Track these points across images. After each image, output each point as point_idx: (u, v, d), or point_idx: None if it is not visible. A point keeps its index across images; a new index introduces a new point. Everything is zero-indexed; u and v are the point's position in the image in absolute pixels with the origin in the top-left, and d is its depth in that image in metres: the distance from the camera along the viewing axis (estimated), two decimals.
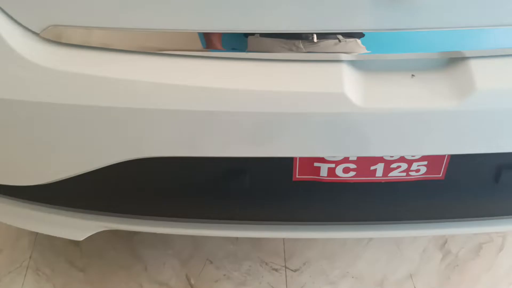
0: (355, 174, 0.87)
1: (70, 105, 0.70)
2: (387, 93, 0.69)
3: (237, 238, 1.39)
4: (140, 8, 0.69)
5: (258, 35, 0.70)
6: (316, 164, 0.86)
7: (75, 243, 1.37)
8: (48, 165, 0.83)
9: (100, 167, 0.81)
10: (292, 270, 1.32)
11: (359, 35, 0.69)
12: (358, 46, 0.69)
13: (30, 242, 1.38)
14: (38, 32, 0.70)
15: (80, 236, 1.03)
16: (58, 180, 0.87)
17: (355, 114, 0.69)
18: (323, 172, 0.87)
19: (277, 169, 0.87)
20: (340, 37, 0.69)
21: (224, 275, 1.31)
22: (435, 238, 1.37)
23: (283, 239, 1.38)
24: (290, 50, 0.70)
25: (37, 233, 1.39)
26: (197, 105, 0.72)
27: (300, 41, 0.70)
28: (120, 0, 0.68)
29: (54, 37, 0.70)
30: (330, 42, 0.69)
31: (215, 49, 0.71)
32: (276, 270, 1.32)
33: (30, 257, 1.35)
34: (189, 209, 0.96)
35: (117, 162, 0.80)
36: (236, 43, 0.71)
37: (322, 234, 1.04)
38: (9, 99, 0.71)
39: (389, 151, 0.77)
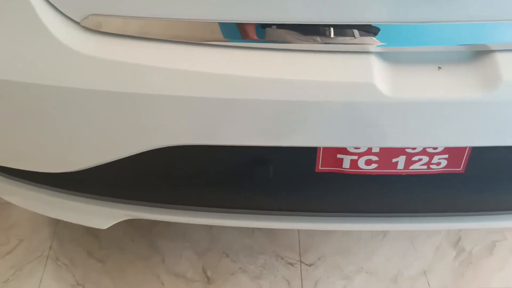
0: (377, 167, 0.89)
1: (108, 92, 0.73)
2: (414, 84, 0.71)
3: (253, 232, 1.41)
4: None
5: (289, 26, 0.72)
6: (339, 156, 0.88)
7: (94, 234, 1.40)
8: (80, 153, 0.86)
9: (129, 155, 0.83)
10: (307, 264, 1.34)
11: (388, 27, 0.71)
12: (387, 38, 0.72)
13: (50, 232, 1.41)
14: (79, 21, 0.73)
15: (104, 224, 1.05)
16: (85, 168, 0.89)
17: (384, 103, 0.71)
18: (346, 164, 0.89)
19: (301, 160, 0.90)
20: (369, 28, 0.71)
21: (240, 268, 1.33)
22: (448, 236, 1.39)
23: (299, 233, 1.40)
24: (321, 41, 0.72)
25: (57, 224, 1.42)
26: (225, 93, 0.74)
27: (330, 32, 0.72)
28: None
29: (94, 26, 0.73)
30: (360, 33, 0.72)
31: (249, 39, 0.74)
32: (291, 264, 1.34)
33: (50, 247, 1.37)
34: (212, 198, 0.98)
35: (147, 149, 0.82)
36: (267, 34, 0.74)
37: (340, 226, 1.06)
38: (50, 85, 0.74)
39: (414, 142, 0.79)
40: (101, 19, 0.72)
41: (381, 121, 0.74)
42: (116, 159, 0.84)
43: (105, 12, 0.72)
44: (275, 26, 0.73)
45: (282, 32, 0.73)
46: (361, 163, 0.89)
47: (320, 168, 0.90)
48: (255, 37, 0.74)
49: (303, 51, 0.74)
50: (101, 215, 1.03)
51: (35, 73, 0.74)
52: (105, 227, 1.06)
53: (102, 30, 0.73)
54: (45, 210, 1.08)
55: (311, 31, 0.72)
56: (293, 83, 0.73)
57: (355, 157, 0.88)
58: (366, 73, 0.71)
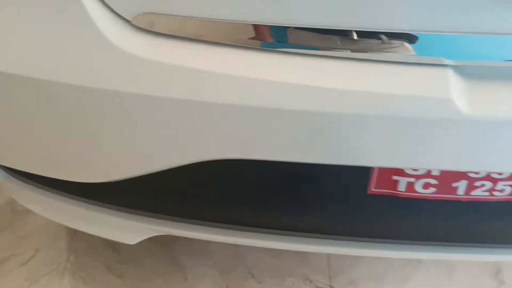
0: (435, 191, 0.82)
1: (158, 97, 0.66)
2: (496, 102, 0.65)
3: (280, 252, 1.34)
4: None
5: (363, 33, 0.66)
6: (394, 178, 0.81)
7: (114, 248, 1.33)
8: (119, 162, 0.79)
9: (173, 166, 0.77)
10: None
11: (468, 38, 0.65)
12: (466, 51, 0.65)
13: (67, 243, 1.34)
14: (130, 19, 0.67)
15: (133, 240, 0.99)
16: (122, 179, 0.82)
17: (461, 122, 0.64)
18: (401, 187, 0.82)
19: (353, 180, 0.83)
20: (448, 40, 0.65)
21: None
22: (487, 266, 1.31)
23: (328, 255, 1.33)
24: (394, 51, 0.66)
25: (75, 235, 1.35)
26: (281, 103, 0.67)
27: (405, 42, 0.66)
28: None
29: (146, 25, 0.67)
30: (439, 44, 0.65)
31: (314, 46, 0.68)
32: None
33: (67, 259, 1.30)
34: (254, 217, 0.92)
35: (192, 162, 0.76)
36: (333, 41, 0.67)
37: (383, 253, 0.99)
38: (94, 87, 0.67)
39: (490, 166, 0.72)
40: (154, 18, 0.66)
41: (453, 140, 0.67)
42: (157, 170, 0.77)
43: (159, 11, 0.66)
44: (353, 34, 0.66)
45: (350, 40, 0.67)
46: (418, 186, 0.82)
47: (373, 189, 0.83)
48: (321, 44, 0.68)
49: (375, 61, 0.67)
50: (131, 229, 0.96)
51: (81, 74, 0.67)
52: (133, 243, 0.99)
53: (154, 30, 0.67)
54: (71, 222, 1.01)
55: (383, 40, 0.66)
56: (361, 94, 0.66)
57: (413, 180, 0.81)
58: (443, 88, 0.64)
